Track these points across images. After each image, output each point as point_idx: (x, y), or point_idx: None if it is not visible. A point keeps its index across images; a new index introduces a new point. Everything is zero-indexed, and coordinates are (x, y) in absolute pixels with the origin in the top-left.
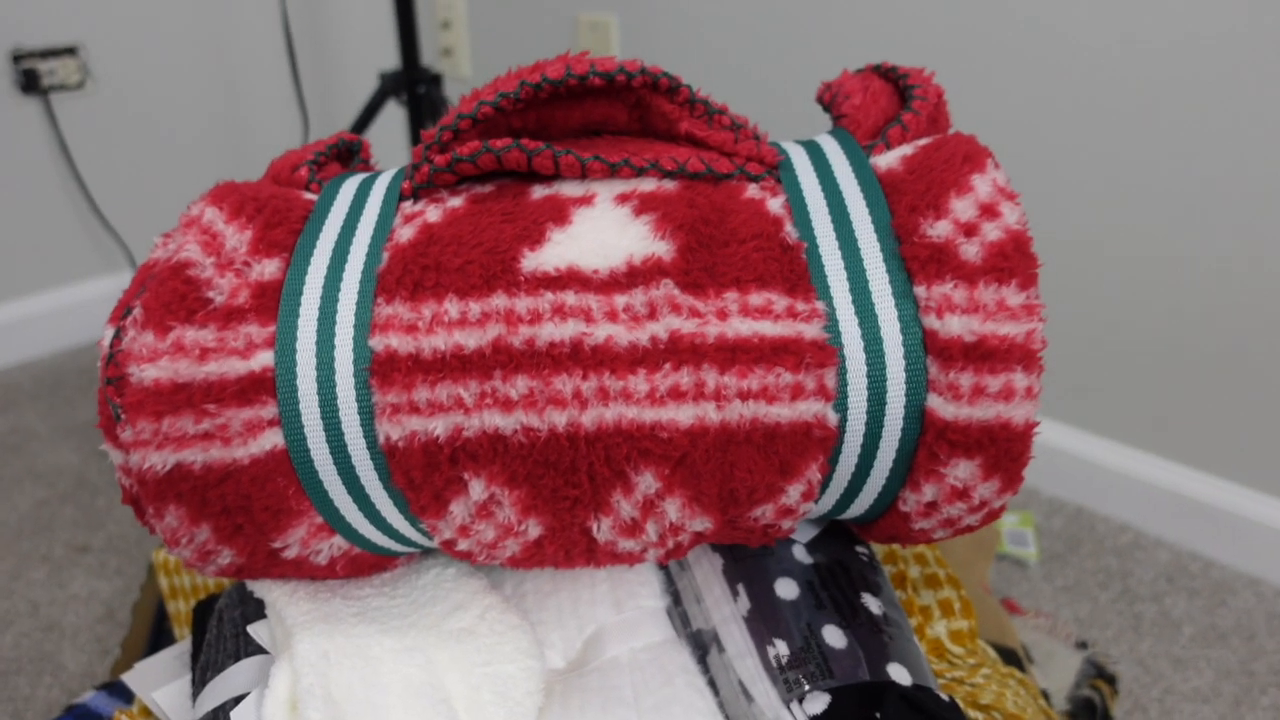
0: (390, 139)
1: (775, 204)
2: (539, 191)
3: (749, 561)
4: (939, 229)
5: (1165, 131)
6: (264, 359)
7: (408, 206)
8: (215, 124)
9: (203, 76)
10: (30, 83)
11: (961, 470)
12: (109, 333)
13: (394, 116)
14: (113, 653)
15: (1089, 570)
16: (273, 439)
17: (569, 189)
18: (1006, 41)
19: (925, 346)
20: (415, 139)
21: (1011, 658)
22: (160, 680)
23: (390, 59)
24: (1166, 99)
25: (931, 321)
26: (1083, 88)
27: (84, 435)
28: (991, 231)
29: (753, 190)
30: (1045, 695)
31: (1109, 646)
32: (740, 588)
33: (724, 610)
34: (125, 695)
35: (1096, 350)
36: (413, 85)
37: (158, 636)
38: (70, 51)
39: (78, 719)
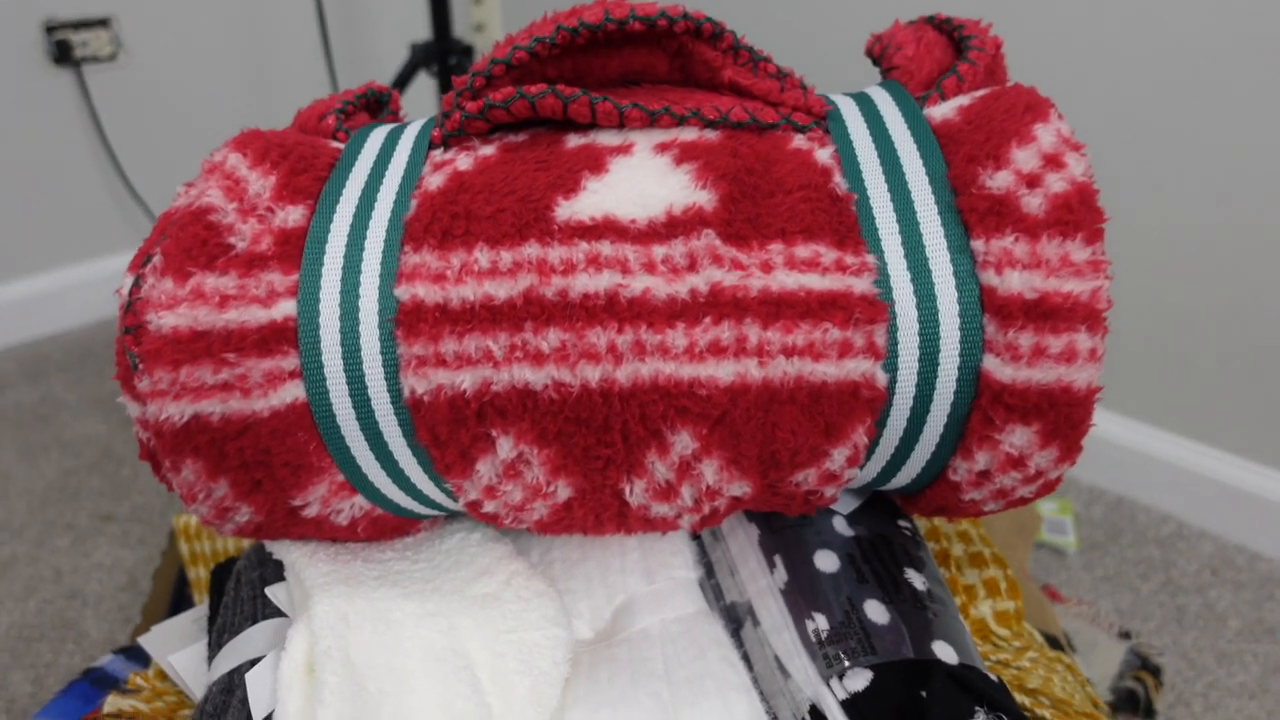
0: (421, 111)
1: (823, 154)
2: (574, 140)
3: (787, 532)
4: (999, 180)
5: (1223, 105)
6: (286, 308)
7: (437, 154)
8: (246, 96)
9: (234, 48)
10: (63, 54)
11: (1018, 437)
12: (128, 281)
13: (425, 89)
14: (134, 620)
15: (1130, 560)
16: (294, 391)
17: (606, 138)
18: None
19: (982, 304)
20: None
21: (1054, 644)
22: (177, 644)
23: (421, 31)
24: (1220, 76)
25: (989, 277)
26: (1120, 62)
27: (111, 406)
28: (1056, 183)
29: (799, 140)
30: (1090, 685)
31: (1151, 638)
32: (777, 559)
33: (760, 582)
34: (142, 659)
35: (1138, 334)
36: (444, 56)
37: (178, 602)
38: (103, 23)
39: (94, 682)
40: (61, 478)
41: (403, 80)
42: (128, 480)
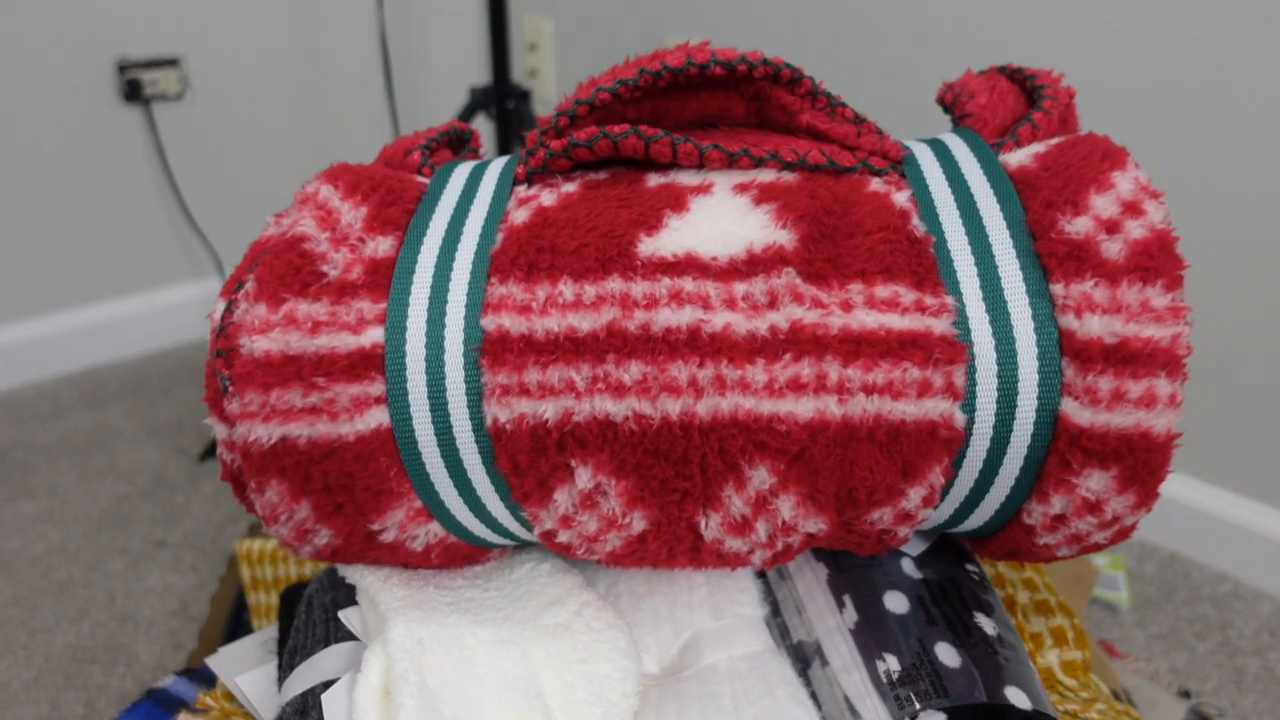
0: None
1: (901, 197)
2: (654, 180)
3: (855, 573)
4: (1078, 225)
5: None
6: (374, 335)
7: (521, 190)
8: (308, 135)
9: (297, 88)
10: (133, 92)
11: (1095, 481)
12: (219, 306)
13: (483, 131)
14: (185, 646)
15: (1184, 619)
16: (379, 417)
17: (685, 178)
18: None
19: (1061, 347)
20: (503, 153)
21: (1116, 699)
22: (244, 666)
23: (480, 75)
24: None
25: (1069, 321)
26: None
27: (165, 435)
28: (1135, 229)
29: (876, 184)
30: None
31: (1209, 699)
32: (846, 599)
33: (828, 622)
34: (206, 680)
35: (1193, 390)
36: (502, 100)
37: (235, 627)
38: (172, 63)
39: (158, 703)
40: (116, 503)
41: (463, 121)
42: (180, 508)
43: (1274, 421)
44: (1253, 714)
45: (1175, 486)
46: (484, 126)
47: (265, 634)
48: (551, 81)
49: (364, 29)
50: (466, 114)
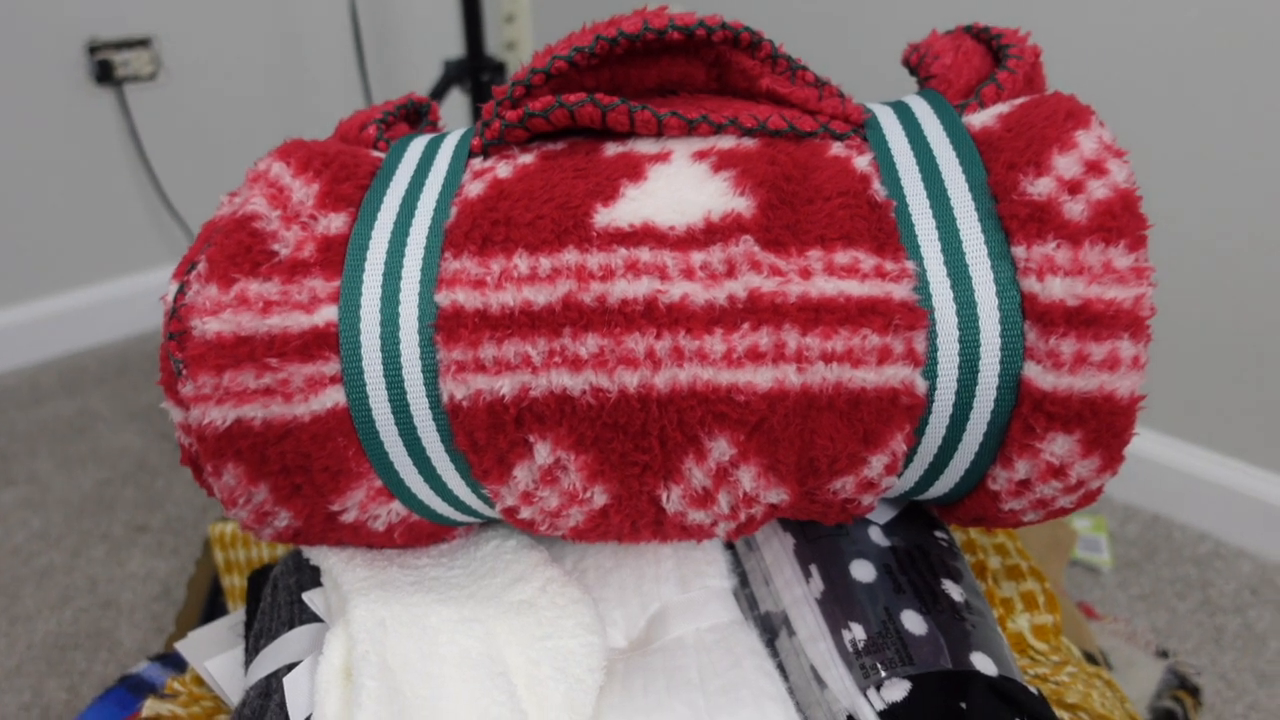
0: (453, 127)
1: (862, 161)
2: (612, 149)
3: (822, 542)
4: (1040, 186)
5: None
6: (328, 314)
7: (477, 163)
8: (282, 114)
9: (271, 67)
10: (105, 73)
11: (1059, 445)
12: (172, 288)
13: (457, 105)
14: (167, 630)
15: (1166, 579)
16: (334, 396)
17: (644, 146)
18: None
19: (1023, 311)
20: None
21: (1091, 661)
22: (213, 649)
23: (454, 48)
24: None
25: (1031, 284)
26: (1144, 70)
27: (147, 419)
28: (1098, 189)
29: (837, 148)
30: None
31: (1189, 658)
32: (813, 569)
33: (795, 592)
34: (178, 665)
35: (1173, 350)
36: (477, 73)
37: (212, 610)
38: (143, 43)
39: (131, 688)
40: (97, 489)
41: (436, 96)
42: (162, 492)
43: (1255, 381)
44: (1232, 671)
45: (1157, 447)
46: (459, 100)
47: (235, 617)
48: (529, 53)
49: (335, 3)
50: (441, 88)
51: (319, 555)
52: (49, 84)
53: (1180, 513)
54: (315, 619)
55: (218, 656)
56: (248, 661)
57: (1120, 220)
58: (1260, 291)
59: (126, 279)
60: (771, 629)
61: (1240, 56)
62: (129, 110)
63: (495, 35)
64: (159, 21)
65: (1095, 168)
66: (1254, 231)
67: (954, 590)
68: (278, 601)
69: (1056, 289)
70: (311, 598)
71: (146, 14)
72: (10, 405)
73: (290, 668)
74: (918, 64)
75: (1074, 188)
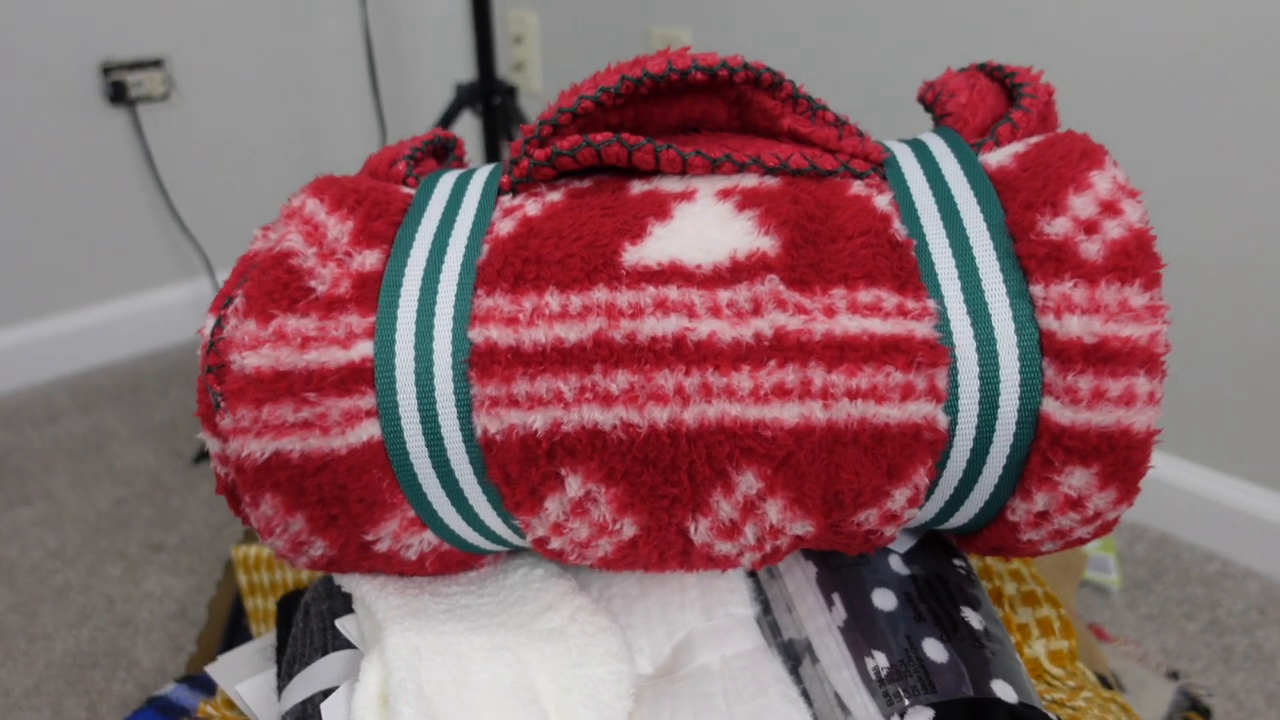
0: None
1: (882, 200)
2: (638, 187)
3: (844, 571)
4: (1057, 226)
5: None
6: (364, 349)
7: (506, 200)
8: (294, 134)
9: (283, 87)
10: (118, 94)
11: (1077, 479)
12: (210, 322)
13: (469, 127)
14: (185, 649)
15: (1174, 599)
16: (370, 430)
17: (669, 184)
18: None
19: (1041, 348)
20: (490, 149)
21: (1104, 684)
22: (243, 673)
23: (464, 72)
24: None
25: (1049, 322)
26: (1106, 87)
27: (161, 437)
28: (1113, 229)
29: (858, 187)
30: None
31: (1198, 678)
32: (835, 597)
33: (818, 620)
34: (206, 687)
35: (1181, 371)
36: (488, 96)
37: (233, 632)
38: (156, 64)
39: (160, 710)
40: (113, 507)
41: (448, 119)
42: (177, 510)
43: (1261, 402)
44: (1241, 691)
45: (1165, 468)
46: (470, 123)
47: (264, 641)
48: (538, 74)
49: (348, 26)
50: (452, 111)
51: (351, 583)
52: (64, 104)
53: (1188, 532)
54: (348, 645)
55: (248, 680)
56: (280, 686)
57: (1135, 260)
58: (1270, 315)
59: (139, 296)
60: (795, 656)
61: (1245, 80)
62: (142, 130)
63: (505, 56)
64: (171, 42)
65: (1110, 208)
66: (1262, 255)
67: (973, 618)
68: (310, 627)
69: (1074, 327)
70: (344, 624)
71: (159, 35)
72: (25, 423)
73: (325, 693)
74: (933, 101)
75: (1090, 228)
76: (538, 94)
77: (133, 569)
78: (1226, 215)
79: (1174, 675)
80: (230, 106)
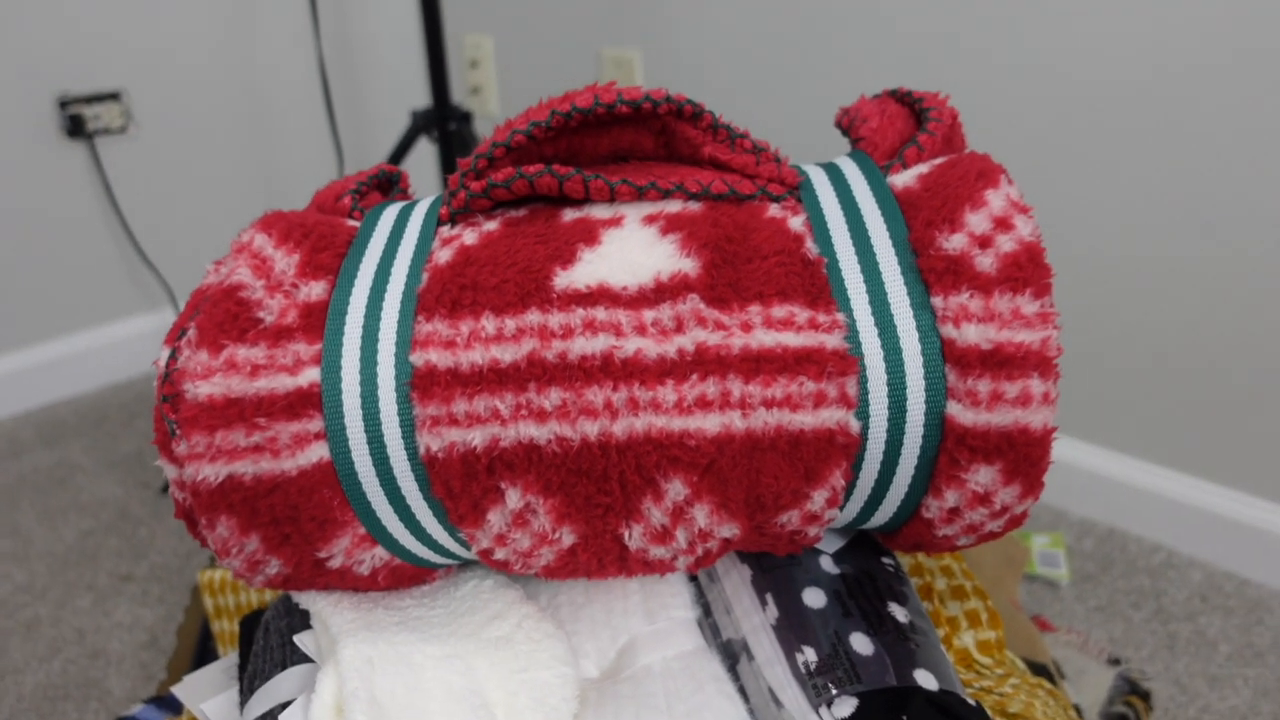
0: (422, 175)
1: (796, 222)
2: (570, 215)
3: (777, 572)
4: (954, 242)
5: (1196, 141)
6: (311, 375)
7: (445, 230)
8: (252, 164)
9: (240, 118)
10: (76, 127)
11: (982, 475)
12: (164, 353)
13: (426, 153)
14: (156, 677)
15: (1121, 590)
16: (319, 451)
17: (598, 211)
18: (1005, 60)
19: (944, 355)
20: (446, 174)
21: (1042, 672)
22: (208, 692)
23: (421, 98)
24: (1199, 109)
25: (949, 330)
26: (1092, 103)
27: (127, 468)
28: (1005, 243)
29: (774, 210)
30: (1078, 710)
31: (1143, 666)
32: (769, 597)
33: (753, 619)
34: (173, 707)
35: (1124, 369)
36: (444, 123)
37: (202, 656)
38: (114, 97)
39: None
40: (80, 539)
41: (404, 146)
42: (145, 540)
43: (1204, 399)
44: (1185, 676)
45: (1112, 464)
46: (427, 149)
47: (228, 660)
48: (495, 98)
49: (303, 56)
50: (409, 138)
51: (308, 600)
52: (20, 138)
53: (1135, 525)
54: (306, 660)
55: (213, 699)
56: (242, 703)
57: (1026, 271)
58: (1208, 312)
59: (102, 329)
60: (733, 655)
61: (1179, 78)
62: (100, 163)
63: (461, 80)
64: (128, 76)
65: (1003, 223)
66: (1204, 252)
67: (899, 612)
68: (270, 644)
69: (971, 334)
70: (302, 640)
71: (116, 68)
72: None
73: (284, 706)
74: (849, 126)
75: (984, 242)
76: (495, 117)
77: (102, 600)
78: (1148, 206)
79: (1115, 661)
80: (188, 138)
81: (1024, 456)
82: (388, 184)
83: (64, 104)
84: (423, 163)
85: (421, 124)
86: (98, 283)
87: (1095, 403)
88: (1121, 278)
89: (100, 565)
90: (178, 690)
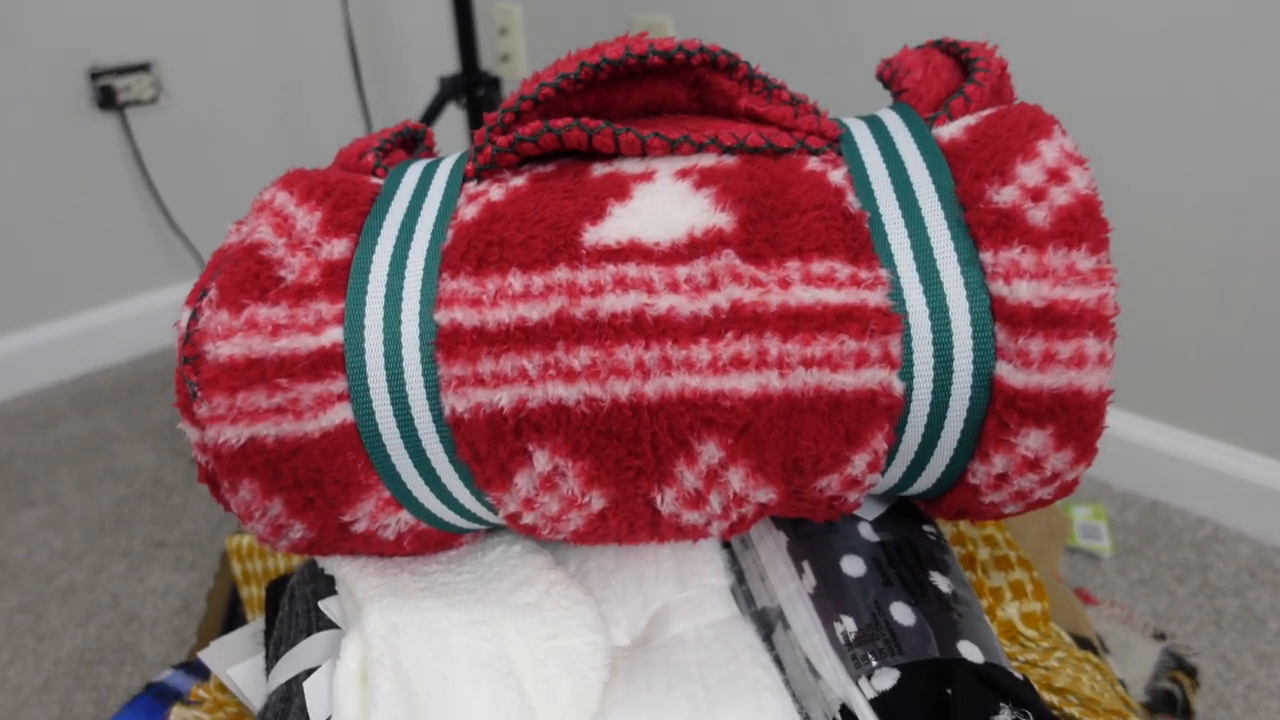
0: (450, 142)
1: (837, 175)
2: (599, 169)
3: (814, 539)
4: (1005, 194)
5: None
6: (333, 335)
7: (471, 187)
8: (282, 133)
9: (269, 87)
10: (107, 99)
11: (1033, 440)
12: (185, 314)
13: (454, 120)
14: (189, 642)
15: (1165, 564)
16: (342, 413)
17: (629, 166)
18: (1039, 25)
19: (993, 313)
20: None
21: (1086, 646)
22: (235, 657)
23: (449, 64)
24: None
25: (999, 287)
26: (1124, 73)
27: (160, 436)
28: (1060, 196)
29: (813, 163)
30: (1122, 685)
31: (1189, 641)
32: (805, 565)
33: (789, 587)
34: (202, 673)
35: (1172, 338)
36: (472, 89)
37: (231, 621)
38: (144, 68)
39: (156, 695)
40: (115, 507)
41: (433, 113)
42: (178, 508)
43: (1249, 367)
44: (1231, 652)
45: (1156, 435)
46: (455, 116)
47: (255, 626)
48: (524, 65)
49: (331, 24)
50: (437, 104)
51: (333, 565)
52: (53, 111)
53: (1179, 498)
54: (332, 626)
55: (240, 664)
56: (268, 668)
57: (1082, 225)
58: (1256, 278)
59: (134, 299)
60: (768, 624)
61: (1224, 54)
62: (132, 134)
63: (490, 48)
64: (158, 47)
65: (1057, 175)
66: (1249, 221)
67: (941, 582)
68: (295, 610)
69: (1023, 291)
70: (328, 605)
71: (146, 40)
72: (26, 428)
73: (309, 673)
74: (890, 78)
75: (1037, 195)
76: None
77: (136, 566)
78: (1221, 185)
79: (1160, 636)
80: (218, 108)
81: (1077, 420)
82: (412, 142)
83: (95, 75)
84: (451, 130)
85: (450, 90)
86: (130, 254)
87: (1138, 372)
88: (1167, 242)
89: (135, 532)
90: (204, 656)
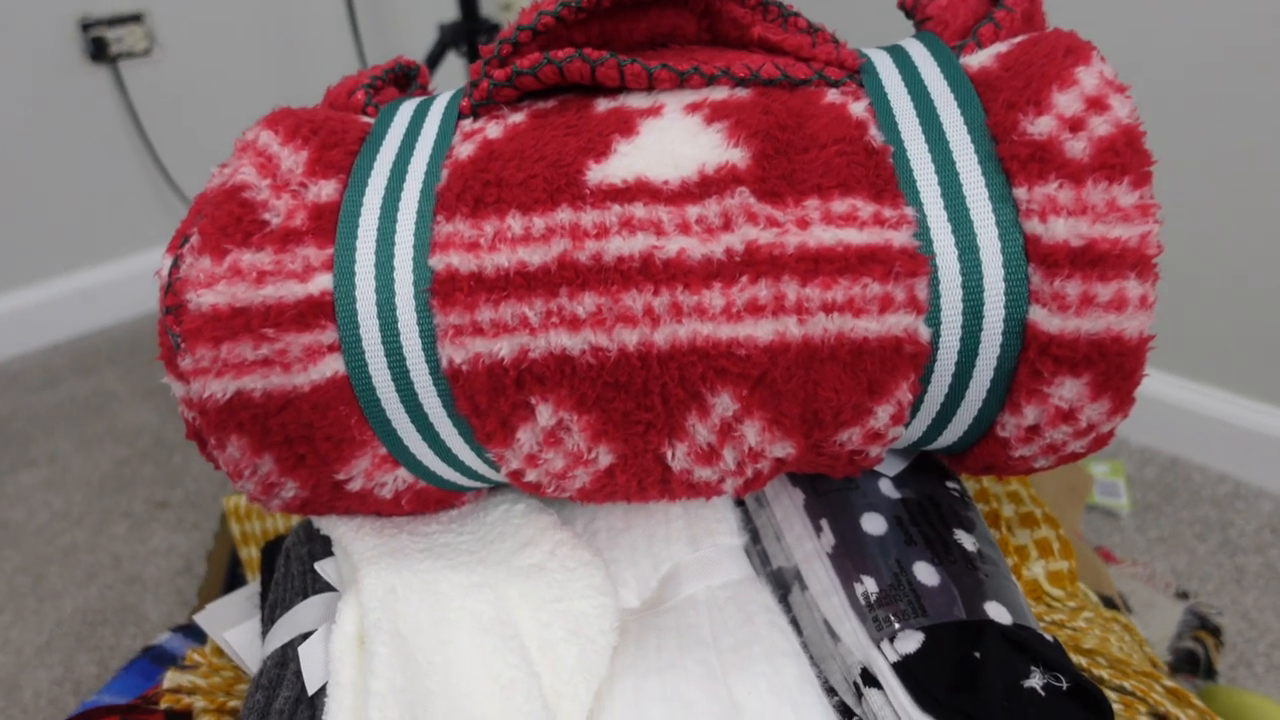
0: (429, 78)
1: (858, 108)
2: (603, 104)
3: (832, 496)
4: (1040, 125)
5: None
6: (322, 282)
7: (467, 124)
8: (278, 83)
9: (264, 36)
10: (99, 51)
11: (1067, 389)
12: (167, 262)
13: (454, 69)
14: (191, 603)
15: (1185, 521)
16: (333, 365)
17: (635, 100)
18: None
19: (1026, 253)
20: None
21: (1110, 605)
22: (231, 620)
23: (449, 11)
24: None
25: (1033, 226)
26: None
27: (161, 396)
28: (1100, 126)
29: (833, 95)
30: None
31: (1210, 599)
32: (824, 523)
33: (806, 547)
34: (199, 636)
35: (1190, 291)
36: (473, 36)
37: (232, 582)
38: (136, 19)
39: (153, 659)
40: (116, 467)
41: (432, 61)
42: (179, 468)
43: (1271, 320)
44: (1254, 610)
45: (1174, 389)
46: (455, 64)
47: (252, 588)
48: None
49: None
50: (437, 53)
51: (329, 525)
52: (43, 63)
53: (1199, 454)
54: (328, 588)
55: (236, 627)
56: (264, 632)
57: (1123, 157)
58: (1277, 228)
59: (132, 257)
60: (784, 584)
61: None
62: (125, 87)
63: None
64: None
65: (1097, 104)
66: (1272, 171)
67: (966, 540)
68: (291, 572)
69: (1060, 230)
70: (324, 567)
71: None
72: (24, 389)
73: (305, 637)
74: (913, 6)
75: (1075, 125)
76: None
77: (138, 527)
78: (1251, 129)
79: (1183, 595)
80: (213, 59)
81: (1116, 368)
82: (405, 79)
83: (86, 26)
84: (451, 80)
85: (449, 38)
86: (125, 210)
87: (1157, 324)
88: (1185, 190)
89: (136, 492)
90: (200, 618)
